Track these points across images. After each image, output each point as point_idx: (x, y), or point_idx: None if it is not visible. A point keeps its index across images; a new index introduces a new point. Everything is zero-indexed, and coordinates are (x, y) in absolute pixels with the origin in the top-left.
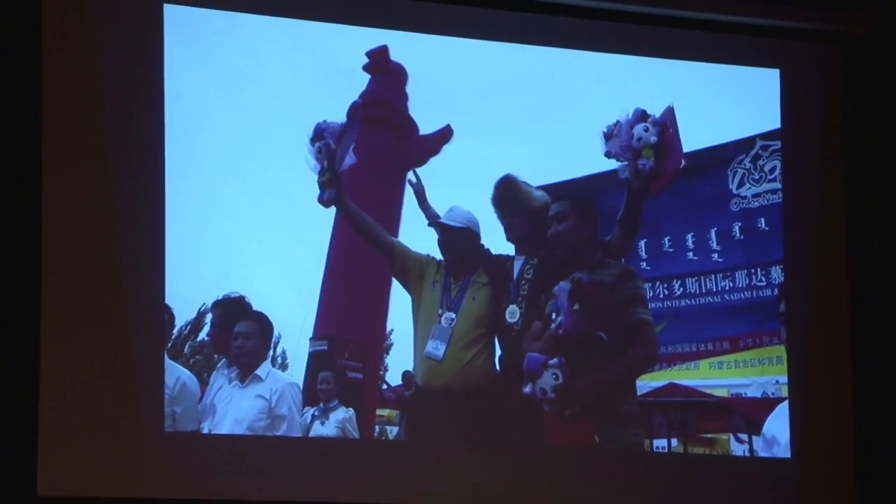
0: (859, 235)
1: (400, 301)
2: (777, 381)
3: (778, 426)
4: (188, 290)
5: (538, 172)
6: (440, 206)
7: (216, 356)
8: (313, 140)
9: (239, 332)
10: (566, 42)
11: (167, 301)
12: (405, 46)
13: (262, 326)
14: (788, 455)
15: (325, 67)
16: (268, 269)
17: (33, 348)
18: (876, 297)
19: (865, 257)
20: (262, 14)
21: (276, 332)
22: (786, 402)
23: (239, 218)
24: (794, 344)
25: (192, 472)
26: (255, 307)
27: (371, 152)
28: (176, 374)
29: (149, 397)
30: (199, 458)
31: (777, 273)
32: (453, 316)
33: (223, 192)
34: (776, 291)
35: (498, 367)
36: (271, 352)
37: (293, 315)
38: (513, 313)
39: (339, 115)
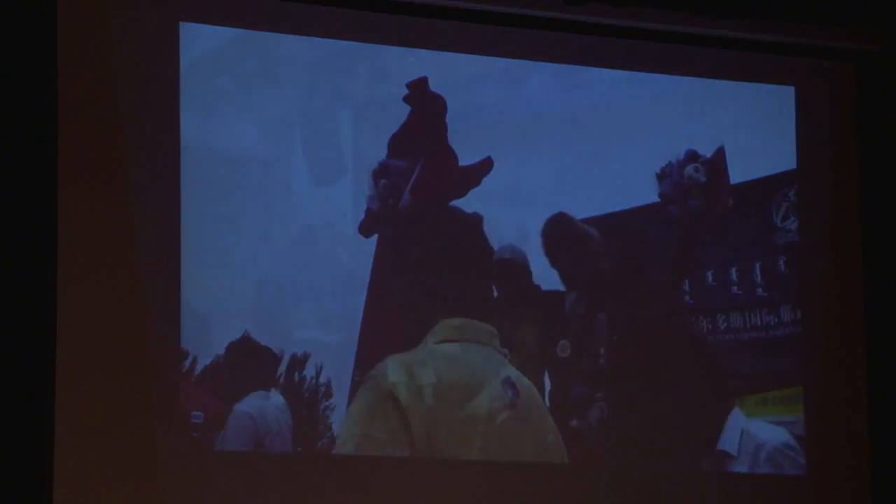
0: (876, 262)
1: None
2: None
3: (728, 439)
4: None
5: (580, 201)
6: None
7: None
8: (377, 175)
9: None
10: (594, 61)
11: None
12: (443, 69)
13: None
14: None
15: (345, 88)
16: (300, 298)
17: (50, 370)
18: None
19: (882, 287)
20: (284, 33)
21: (318, 362)
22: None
23: (260, 243)
24: (809, 370)
25: (208, 486)
26: (285, 335)
27: (417, 185)
28: None
29: (166, 412)
30: (216, 473)
31: None
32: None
33: (244, 216)
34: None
35: (547, 401)
36: (314, 381)
37: (330, 344)
38: (563, 348)
39: (360, 135)
